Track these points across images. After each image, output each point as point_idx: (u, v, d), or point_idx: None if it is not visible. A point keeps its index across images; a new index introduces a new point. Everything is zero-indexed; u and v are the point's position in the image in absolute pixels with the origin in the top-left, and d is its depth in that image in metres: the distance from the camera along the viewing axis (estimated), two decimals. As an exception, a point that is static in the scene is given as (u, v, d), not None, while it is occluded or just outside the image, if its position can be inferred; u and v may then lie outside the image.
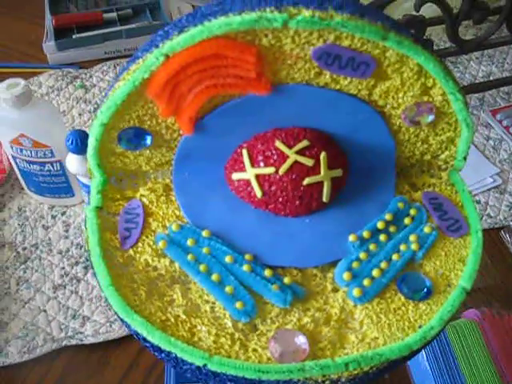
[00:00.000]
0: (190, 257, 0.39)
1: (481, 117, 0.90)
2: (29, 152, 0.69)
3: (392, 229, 0.41)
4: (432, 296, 0.38)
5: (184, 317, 0.37)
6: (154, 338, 0.35)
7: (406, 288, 0.38)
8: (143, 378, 0.63)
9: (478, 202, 0.78)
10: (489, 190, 0.80)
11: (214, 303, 0.38)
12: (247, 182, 0.40)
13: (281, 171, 0.39)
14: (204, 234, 0.40)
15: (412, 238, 0.40)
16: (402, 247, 0.40)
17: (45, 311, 0.66)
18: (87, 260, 0.70)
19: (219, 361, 0.34)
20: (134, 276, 0.38)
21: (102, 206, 0.41)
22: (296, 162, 0.39)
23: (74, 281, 0.69)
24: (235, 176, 0.40)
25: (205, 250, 0.39)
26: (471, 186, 0.80)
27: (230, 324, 0.37)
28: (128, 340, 0.65)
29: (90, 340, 0.64)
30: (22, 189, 0.77)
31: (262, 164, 0.39)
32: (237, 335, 0.36)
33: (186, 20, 0.36)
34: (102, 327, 0.65)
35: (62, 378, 0.63)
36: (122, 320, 0.37)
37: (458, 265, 0.39)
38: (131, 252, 0.39)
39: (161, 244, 0.39)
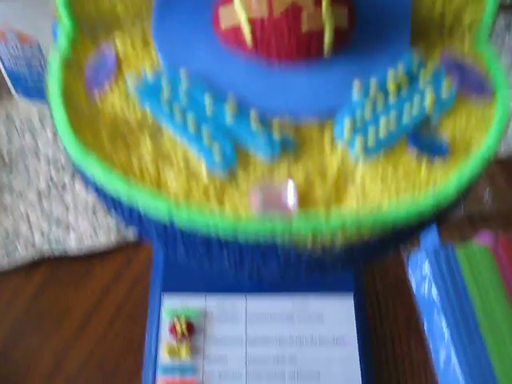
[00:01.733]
0: (164, 104, 0.32)
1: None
2: (15, 50, 0.63)
3: (404, 80, 0.34)
4: (448, 159, 0.32)
5: (151, 163, 0.31)
6: (114, 182, 0.29)
7: (419, 146, 0.31)
8: (128, 289, 0.58)
9: None
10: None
11: (187, 152, 0.32)
12: (236, 21, 0.34)
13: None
14: (182, 81, 0.34)
15: (427, 91, 0.33)
16: (416, 100, 0.33)
17: (28, 218, 0.62)
18: (74, 166, 0.66)
19: (188, 210, 0.28)
20: (99, 122, 0.32)
21: (70, 55, 0.35)
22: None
23: (60, 188, 0.64)
24: (223, 11, 0.34)
25: (182, 97, 0.33)
26: None
27: (204, 174, 0.31)
28: (114, 253, 0.61)
29: (74, 251, 0.60)
30: (10, 93, 0.72)
31: None
32: (212, 186, 0.30)
33: None
34: (86, 238, 0.60)
35: (43, 287, 0.58)
36: (77, 168, 0.31)
37: (481, 130, 0.33)
38: (98, 99, 0.34)
39: (132, 91, 0.34)
